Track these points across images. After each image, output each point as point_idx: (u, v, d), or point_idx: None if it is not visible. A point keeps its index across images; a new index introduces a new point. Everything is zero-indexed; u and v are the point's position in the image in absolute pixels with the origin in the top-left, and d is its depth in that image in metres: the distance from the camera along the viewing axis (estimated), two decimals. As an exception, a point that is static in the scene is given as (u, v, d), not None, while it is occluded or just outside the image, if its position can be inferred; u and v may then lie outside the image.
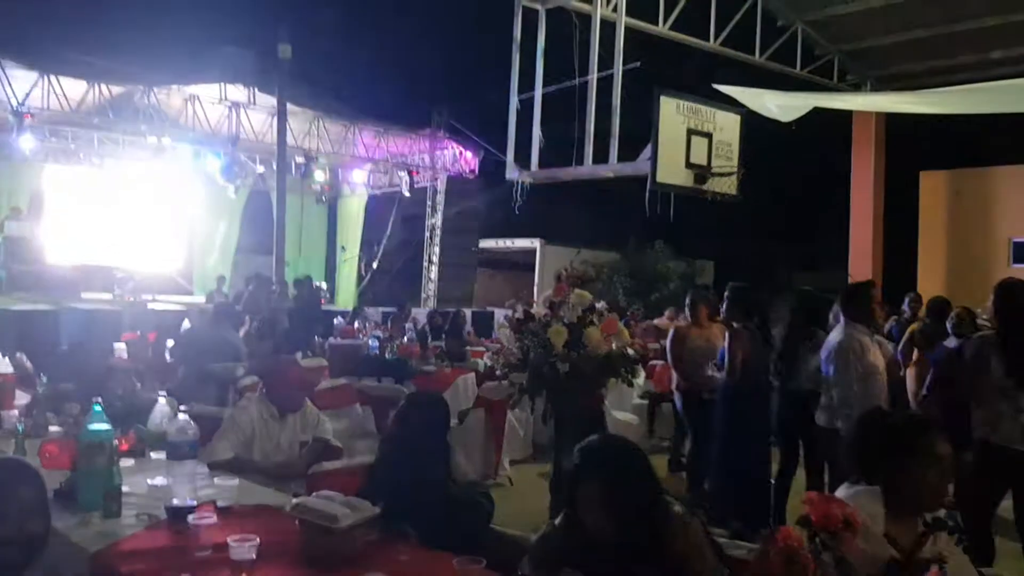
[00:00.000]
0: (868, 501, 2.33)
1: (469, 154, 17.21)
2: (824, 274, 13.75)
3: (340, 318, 11.71)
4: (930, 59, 13.65)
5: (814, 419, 5.15)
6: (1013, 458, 4.23)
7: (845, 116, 15.18)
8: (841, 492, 2.44)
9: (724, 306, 6.14)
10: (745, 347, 5.78)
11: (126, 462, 3.55)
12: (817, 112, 11.32)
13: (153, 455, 3.71)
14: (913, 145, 16.08)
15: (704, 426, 6.23)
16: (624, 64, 10.32)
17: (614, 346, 5.32)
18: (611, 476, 2.33)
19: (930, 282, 15.45)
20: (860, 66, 14.63)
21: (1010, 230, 15.51)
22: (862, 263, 15.31)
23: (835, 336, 5.04)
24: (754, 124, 10.08)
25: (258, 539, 2.53)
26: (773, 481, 5.81)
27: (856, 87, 14.68)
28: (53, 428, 3.98)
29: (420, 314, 13.76)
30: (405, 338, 8.99)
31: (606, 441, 2.53)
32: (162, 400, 3.87)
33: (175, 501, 2.98)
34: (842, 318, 5.08)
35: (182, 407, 3.96)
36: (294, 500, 2.93)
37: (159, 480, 3.35)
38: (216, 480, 3.37)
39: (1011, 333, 4.38)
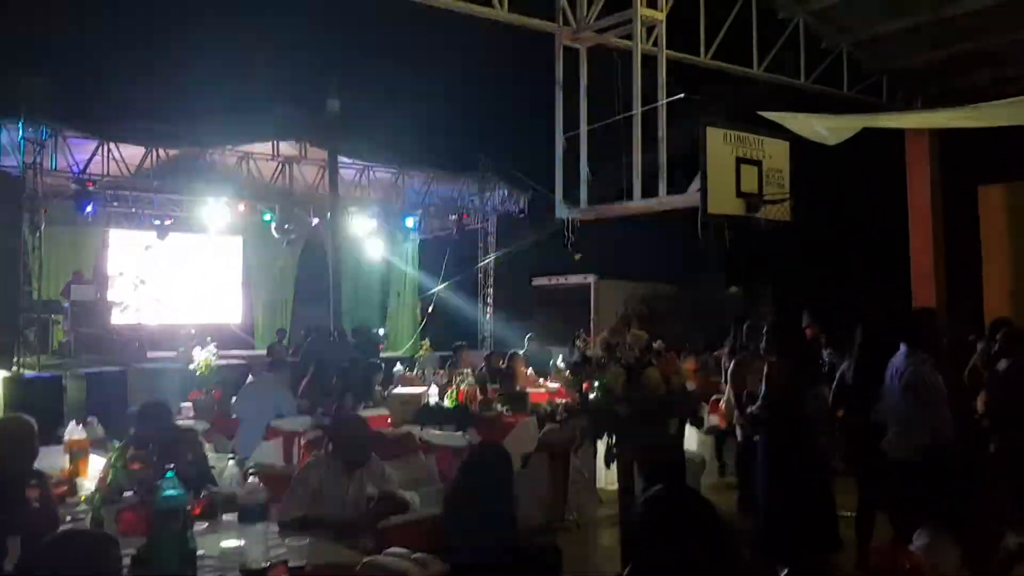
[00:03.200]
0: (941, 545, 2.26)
1: (518, 194, 17.33)
2: (886, 297, 13.41)
3: (399, 365, 11.77)
4: (979, 73, 13.38)
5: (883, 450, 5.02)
6: None
7: (897, 135, 14.91)
8: (919, 540, 2.37)
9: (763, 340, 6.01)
10: (775, 381, 5.63)
11: (199, 525, 3.60)
12: (868, 132, 11.16)
13: (225, 517, 3.76)
14: (969, 159, 15.67)
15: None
16: (668, 96, 10.34)
17: (674, 385, 5.29)
18: (679, 534, 2.29)
19: (997, 300, 14.96)
20: (909, 84, 14.41)
21: (1078, 243, 14.99)
22: (924, 285, 14.92)
23: (900, 364, 4.92)
24: (806, 148, 9.98)
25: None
26: (851, 514, 5.64)
27: (906, 105, 14.44)
28: (127, 494, 4.06)
29: (477, 356, 13.79)
30: (464, 383, 8.98)
31: (676, 495, 2.48)
32: (231, 462, 3.93)
33: (249, 563, 3.01)
34: (904, 346, 4.96)
35: (251, 468, 4.01)
36: (365, 559, 2.94)
37: (232, 542, 3.39)
38: (287, 540, 3.41)
39: None
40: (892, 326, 5.87)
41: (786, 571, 4.71)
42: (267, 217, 15.20)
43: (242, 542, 3.36)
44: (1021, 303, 14.07)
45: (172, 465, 3.31)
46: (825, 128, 10.84)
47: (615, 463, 5.37)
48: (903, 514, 5.07)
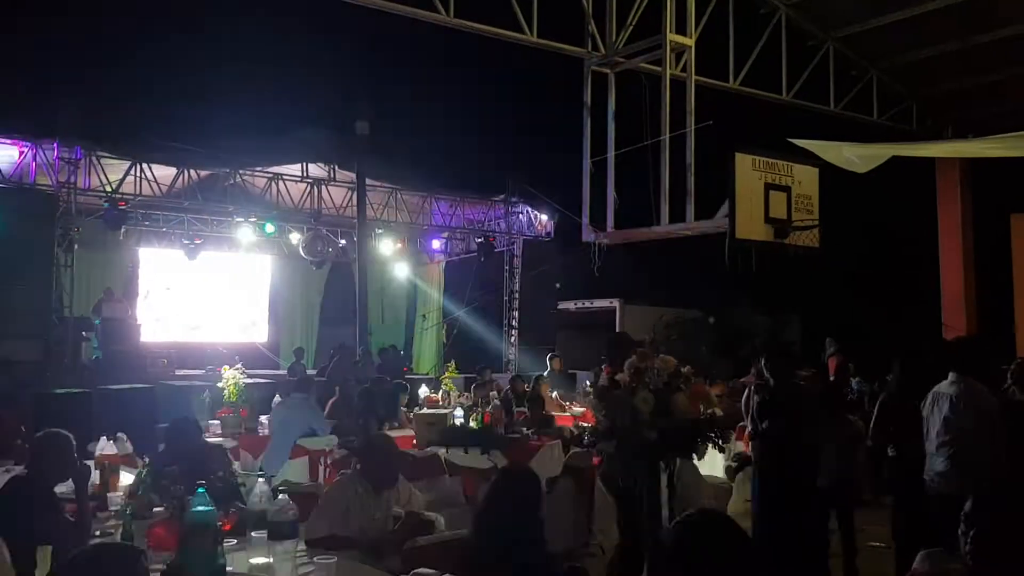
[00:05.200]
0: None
1: (544, 217, 17.38)
2: (916, 326, 13.27)
3: (424, 386, 11.79)
4: (1009, 101, 13.29)
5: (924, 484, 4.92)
6: None
7: (928, 162, 14.82)
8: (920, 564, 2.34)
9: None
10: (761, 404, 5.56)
11: (228, 542, 3.62)
12: (897, 159, 11.11)
13: (254, 534, 3.78)
14: (1001, 187, 15.53)
15: None
16: (696, 123, 10.36)
17: (703, 411, 5.24)
18: (708, 557, 2.26)
19: (1030, 330, 14.75)
20: (938, 111, 14.33)
21: (1109, 270, 14.77)
22: (956, 313, 14.75)
23: (952, 390, 4.83)
24: (835, 175, 9.94)
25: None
26: (880, 545, 5.56)
27: (937, 132, 14.36)
28: (157, 509, 4.09)
29: (502, 379, 13.77)
30: (490, 406, 8.97)
31: (703, 518, 2.45)
32: (260, 480, 3.96)
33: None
34: (953, 374, 4.88)
35: (281, 487, 4.04)
36: (392, 579, 2.94)
37: (261, 559, 3.41)
38: (316, 558, 3.42)
39: None
40: (930, 355, 5.80)
41: None
42: (300, 237, 15.33)
43: (271, 559, 3.38)
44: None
45: (202, 480, 3.33)
46: (855, 155, 10.78)
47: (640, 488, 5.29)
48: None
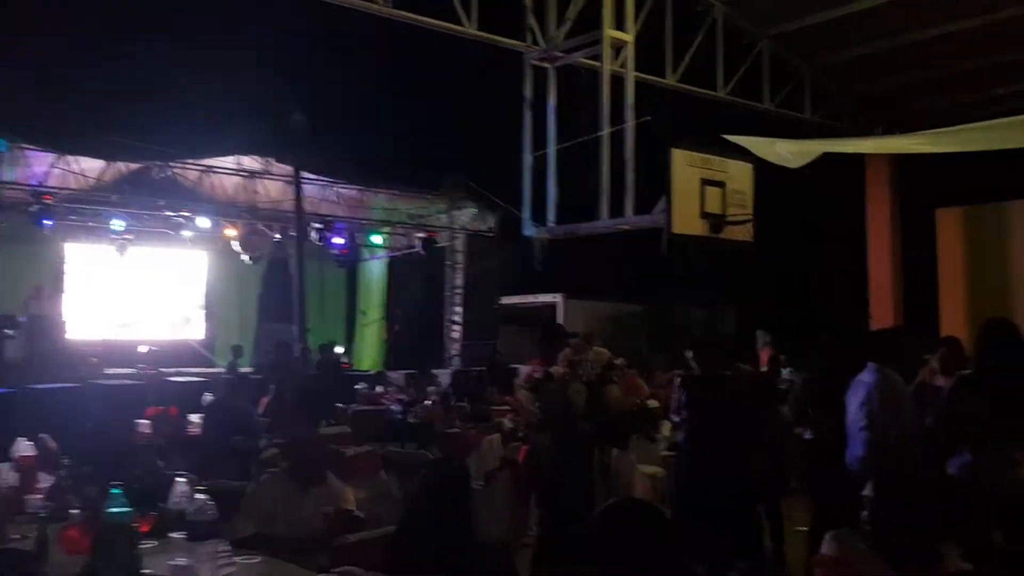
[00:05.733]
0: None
1: (487, 212, 17.36)
2: (845, 318, 13.60)
3: (363, 383, 11.67)
4: (937, 99, 13.68)
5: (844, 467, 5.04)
6: (995, 497, 4.09)
7: (858, 158, 15.18)
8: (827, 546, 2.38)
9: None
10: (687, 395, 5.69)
11: (147, 543, 3.52)
12: (829, 156, 11.34)
13: (174, 535, 3.67)
14: (927, 183, 15.99)
15: None
16: (635, 118, 10.42)
17: (637, 402, 5.29)
18: (630, 543, 2.28)
19: (952, 319, 15.22)
20: (870, 109, 14.67)
21: (1029, 264, 15.33)
22: (883, 305, 15.15)
23: (868, 381, 4.96)
24: (768, 171, 10.10)
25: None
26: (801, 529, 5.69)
27: (867, 130, 14.70)
28: (74, 511, 3.96)
29: (444, 375, 13.73)
30: (429, 401, 8.93)
31: (626, 506, 2.47)
32: (181, 479, 3.85)
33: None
34: (871, 364, 5.01)
35: (202, 484, 3.93)
36: (316, 578, 2.89)
37: (181, 561, 3.31)
38: (238, 558, 3.33)
39: (990, 371, 4.33)
40: (852, 345, 5.93)
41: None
42: (235, 232, 15.06)
43: (191, 561, 3.28)
44: (974, 322, 14.31)
45: (118, 480, 3.22)
46: (788, 152, 10.98)
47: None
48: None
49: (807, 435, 5.64)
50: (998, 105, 12.39)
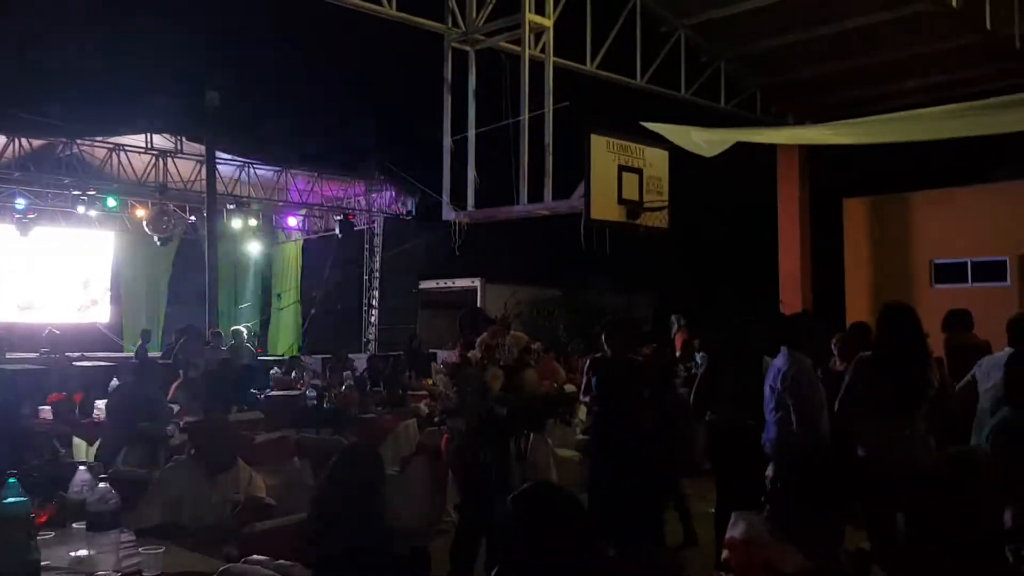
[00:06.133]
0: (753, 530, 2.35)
1: (406, 195, 17.20)
2: (756, 303, 13.97)
3: (276, 368, 11.46)
4: (848, 91, 14.12)
5: (750, 448, 5.18)
6: (894, 477, 4.30)
7: (770, 148, 15.57)
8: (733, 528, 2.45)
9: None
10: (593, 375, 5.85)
11: (45, 534, 3.39)
12: (742, 145, 11.60)
13: (75, 525, 3.55)
14: (835, 174, 16.56)
15: None
16: (554, 103, 10.46)
17: (553, 386, 5.33)
18: (544, 528, 2.29)
19: (857, 306, 15.84)
20: (781, 100, 15.06)
21: (931, 252, 16.03)
22: (792, 290, 15.65)
23: (781, 365, 5.11)
24: (684, 158, 10.27)
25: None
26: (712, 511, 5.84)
27: (778, 120, 15.09)
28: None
29: (361, 360, 13.59)
30: (344, 386, 8.82)
31: (539, 491, 2.49)
32: (82, 468, 3.72)
33: (98, 574, 2.85)
34: (785, 348, 5.16)
35: (103, 473, 3.80)
36: (221, 567, 2.82)
37: (82, 552, 3.20)
38: (141, 548, 3.24)
39: (890, 355, 4.52)
40: (759, 329, 6.10)
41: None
42: (145, 212, 14.56)
43: (92, 551, 3.18)
44: (878, 306, 14.89)
45: (14, 469, 3.09)
46: (703, 140, 11.21)
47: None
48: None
49: (708, 416, 5.79)
50: (906, 98, 12.89)
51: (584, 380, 5.91)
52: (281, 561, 2.86)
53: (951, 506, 2.63)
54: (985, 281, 15.29)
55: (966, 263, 15.72)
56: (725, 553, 2.08)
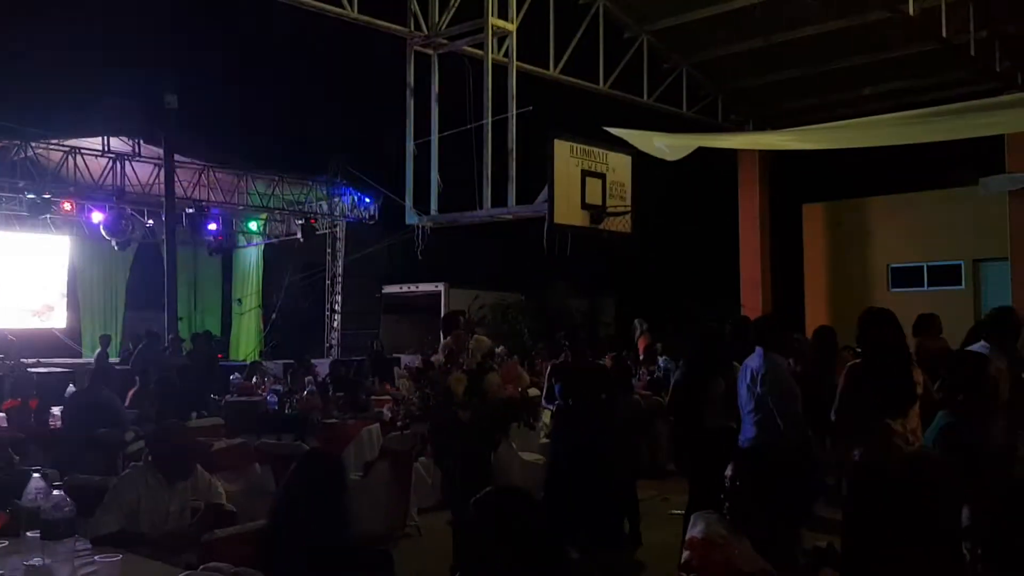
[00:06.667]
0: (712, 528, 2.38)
1: (368, 200, 17.09)
2: (718, 306, 14.13)
3: (237, 374, 11.31)
4: (807, 98, 14.34)
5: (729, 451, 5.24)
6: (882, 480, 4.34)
7: (731, 154, 15.75)
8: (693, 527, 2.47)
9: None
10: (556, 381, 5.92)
11: (0, 543, 3.31)
12: (704, 151, 11.71)
13: (30, 534, 3.47)
14: (795, 179, 16.81)
15: None
16: (517, 108, 10.47)
17: (519, 390, 5.33)
18: (505, 533, 2.29)
19: (816, 309, 16.10)
20: (742, 106, 15.24)
21: (888, 256, 16.33)
22: (752, 294, 15.84)
23: (757, 363, 5.18)
24: (646, 164, 10.34)
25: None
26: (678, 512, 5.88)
27: (739, 126, 15.28)
28: (-85, 513, 3.68)
29: (323, 365, 13.47)
30: (306, 391, 8.73)
31: (501, 496, 2.48)
32: (36, 475, 3.63)
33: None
34: (760, 349, 5.24)
35: (59, 480, 3.72)
36: (182, 574, 2.77)
37: (36, 561, 3.13)
38: (98, 557, 3.17)
39: (875, 358, 4.59)
40: (725, 333, 6.16)
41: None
42: (102, 217, 14.30)
43: (47, 561, 3.10)
44: (838, 309, 15.20)
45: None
46: (665, 145, 11.29)
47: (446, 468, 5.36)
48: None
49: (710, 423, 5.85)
50: (864, 104, 13.12)
51: (546, 386, 5.93)
52: (241, 568, 2.81)
53: (910, 505, 2.68)
54: (941, 285, 15.61)
55: (922, 267, 16.04)
56: (686, 554, 2.09)
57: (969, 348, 4.96)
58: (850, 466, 4.54)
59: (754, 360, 5.26)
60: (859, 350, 4.97)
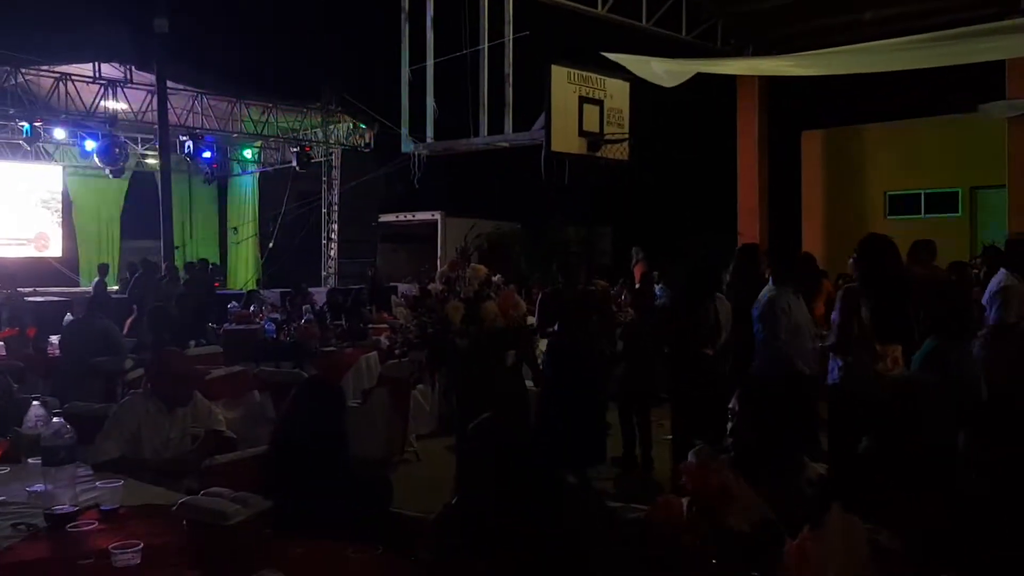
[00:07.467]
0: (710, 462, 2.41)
1: (364, 127, 16.89)
2: (715, 235, 14.10)
3: (235, 302, 11.34)
4: (806, 22, 14.03)
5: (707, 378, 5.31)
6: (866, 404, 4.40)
7: (730, 80, 15.51)
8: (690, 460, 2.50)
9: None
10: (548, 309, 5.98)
11: (1, 470, 3.37)
12: (703, 77, 11.53)
13: (31, 460, 3.52)
14: (794, 106, 16.59)
15: None
16: (514, 33, 10.27)
17: (514, 317, 5.36)
18: (498, 455, 2.33)
19: (813, 237, 16.09)
20: (741, 30, 14.93)
21: (885, 184, 16.25)
22: (750, 222, 15.79)
23: (765, 295, 5.22)
24: (645, 91, 10.19)
25: (141, 544, 2.45)
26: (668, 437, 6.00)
27: (738, 51, 15.00)
28: (-83, 440, 3.73)
29: (320, 293, 13.50)
30: (304, 320, 8.78)
31: (496, 420, 2.52)
32: (36, 402, 3.67)
33: (55, 508, 2.85)
34: (772, 280, 5.28)
35: (59, 407, 3.76)
36: (181, 499, 2.82)
37: (38, 487, 3.18)
38: (99, 483, 3.23)
39: (871, 284, 4.63)
40: (719, 262, 6.18)
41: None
42: (94, 144, 14.13)
43: (49, 486, 3.15)
44: (835, 237, 15.20)
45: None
46: (663, 70, 11.12)
47: (454, 395, 5.43)
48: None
49: (667, 350, 5.93)
50: (863, 29, 12.86)
51: (538, 316, 6.00)
52: (241, 493, 2.86)
53: (901, 429, 2.71)
54: (937, 212, 15.58)
55: (919, 195, 15.97)
56: (684, 478, 2.13)
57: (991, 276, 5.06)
58: (829, 391, 4.62)
59: (766, 292, 5.30)
60: (854, 277, 5.00)
